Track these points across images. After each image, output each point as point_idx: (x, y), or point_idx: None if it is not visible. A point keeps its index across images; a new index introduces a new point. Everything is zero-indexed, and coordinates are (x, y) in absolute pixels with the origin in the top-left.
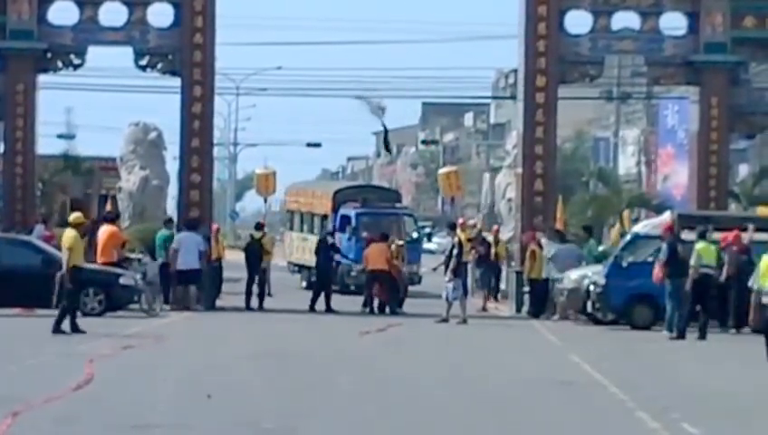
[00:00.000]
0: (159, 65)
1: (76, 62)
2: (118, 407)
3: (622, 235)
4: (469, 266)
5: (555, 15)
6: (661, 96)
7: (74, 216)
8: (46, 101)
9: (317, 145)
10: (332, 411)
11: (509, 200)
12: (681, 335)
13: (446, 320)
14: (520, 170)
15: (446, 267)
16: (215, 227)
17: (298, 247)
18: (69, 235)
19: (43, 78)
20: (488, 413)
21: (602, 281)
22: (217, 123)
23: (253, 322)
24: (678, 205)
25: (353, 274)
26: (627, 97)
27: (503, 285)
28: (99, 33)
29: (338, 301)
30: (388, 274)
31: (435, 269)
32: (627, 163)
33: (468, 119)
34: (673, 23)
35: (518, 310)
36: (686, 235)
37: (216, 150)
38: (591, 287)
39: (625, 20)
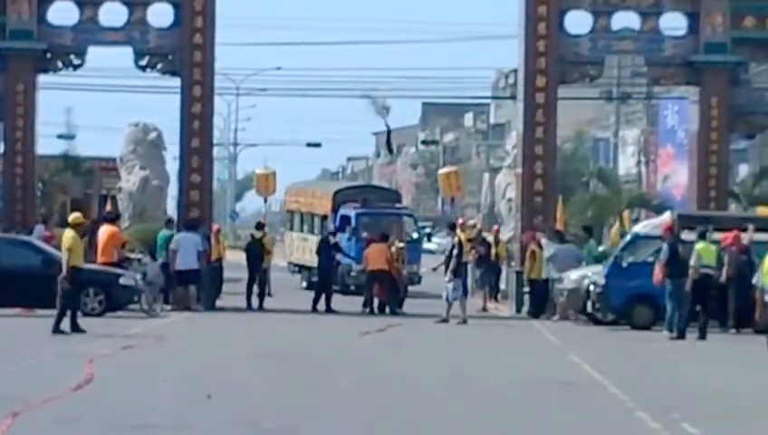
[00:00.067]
0: (159, 65)
1: (76, 62)
2: (118, 407)
3: (622, 235)
4: (469, 267)
5: (555, 15)
6: (661, 96)
7: (74, 216)
8: (46, 101)
9: (317, 145)
10: (332, 411)
11: (509, 200)
12: (681, 335)
13: (446, 320)
14: (520, 170)
15: (446, 268)
16: (215, 227)
17: (298, 248)
18: (68, 235)
19: (43, 78)
20: (488, 413)
21: (602, 281)
22: (217, 123)
23: (253, 322)
24: (678, 205)
25: (353, 274)
26: (627, 97)
27: (503, 286)
28: (99, 34)
29: (338, 301)
30: (388, 274)
31: (435, 269)
32: (627, 163)
33: (468, 119)
34: (673, 23)
35: (518, 310)
36: (686, 235)
37: (215, 151)
38: (591, 287)
39: (625, 20)
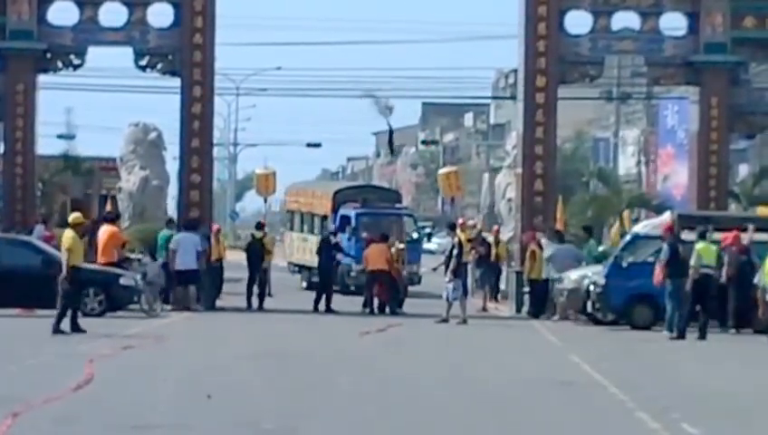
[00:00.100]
0: (159, 65)
1: (76, 62)
2: (118, 407)
3: (622, 235)
4: (469, 267)
5: (555, 16)
6: (661, 96)
7: (73, 216)
8: (46, 101)
9: (317, 145)
10: (332, 411)
11: (509, 200)
12: (681, 335)
13: (446, 320)
14: (520, 171)
15: (446, 268)
16: (215, 227)
17: (298, 248)
18: (67, 235)
19: (43, 78)
20: (488, 413)
21: (602, 281)
22: (217, 123)
23: (253, 322)
24: (678, 205)
25: (353, 274)
26: (627, 97)
27: (502, 286)
28: (99, 34)
29: (338, 301)
30: (388, 274)
31: (435, 269)
32: (627, 163)
33: (468, 119)
34: (673, 23)
35: (518, 310)
36: (686, 235)
37: (215, 151)
38: (591, 287)
39: (625, 20)
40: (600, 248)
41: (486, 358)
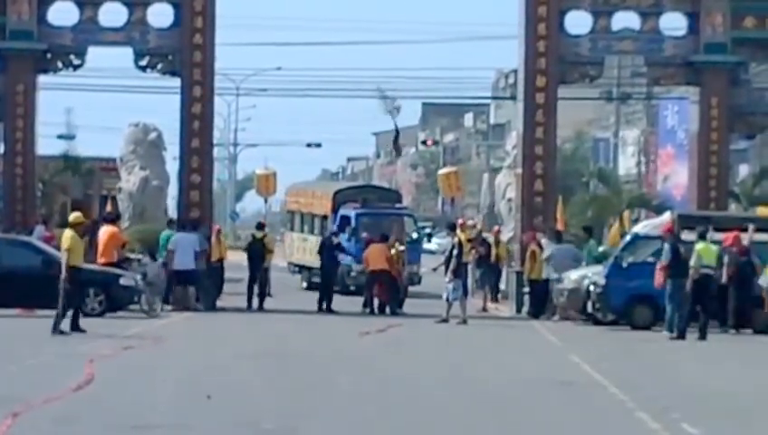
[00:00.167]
0: (159, 66)
1: (76, 62)
2: (118, 407)
3: (622, 235)
4: (469, 267)
5: (555, 16)
6: (661, 96)
7: (74, 215)
8: (46, 101)
9: (317, 145)
10: (332, 411)
11: (509, 201)
12: (681, 336)
13: (446, 320)
14: (520, 171)
15: (447, 268)
16: (216, 227)
17: (298, 248)
18: (67, 235)
19: (42, 78)
20: (488, 413)
21: (602, 281)
22: (217, 124)
23: (253, 322)
24: (678, 205)
25: (353, 274)
26: (627, 97)
27: (502, 286)
28: (99, 34)
29: (338, 301)
30: (388, 274)
31: (435, 270)
32: (627, 163)
33: (468, 119)
34: (673, 23)
35: (518, 310)
36: (686, 235)
37: (215, 151)
38: (591, 288)
39: (625, 20)
40: (600, 249)
41: (486, 358)
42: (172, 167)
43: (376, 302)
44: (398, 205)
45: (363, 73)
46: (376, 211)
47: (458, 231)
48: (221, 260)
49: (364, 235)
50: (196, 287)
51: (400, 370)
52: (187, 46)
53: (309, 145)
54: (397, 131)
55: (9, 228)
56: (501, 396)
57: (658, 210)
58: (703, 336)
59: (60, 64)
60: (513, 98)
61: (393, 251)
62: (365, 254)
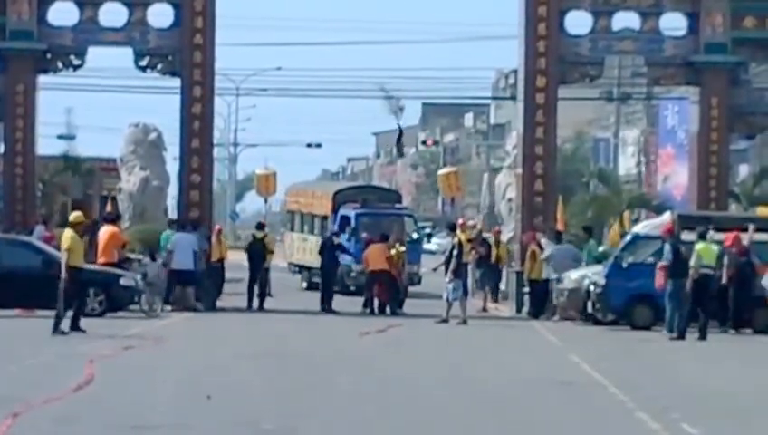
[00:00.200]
0: (159, 66)
1: (76, 62)
2: (118, 407)
3: (622, 235)
4: (469, 267)
5: (555, 16)
6: (661, 96)
7: (74, 215)
8: (46, 101)
9: (317, 145)
10: (332, 411)
11: (509, 201)
12: (681, 336)
13: (446, 320)
14: (520, 171)
15: (447, 268)
16: (217, 227)
17: (298, 248)
18: (66, 235)
19: (43, 78)
20: (488, 413)
21: (602, 281)
22: (217, 124)
23: (253, 322)
24: (678, 205)
25: (353, 274)
26: (627, 97)
27: (503, 286)
28: (99, 34)
29: (338, 301)
30: (388, 274)
31: (435, 270)
32: (627, 163)
33: (468, 119)
34: (673, 23)
35: (518, 310)
36: (686, 235)
37: (215, 151)
38: (591, 288)
39: (625, 20)
40: (600, 249)
41: (486, 358)
42: (172, 167)
43: (376, 302)
44: (398, 205)
45: (363, 73)
46: (376, 211)
47: (458, 231)
48: (221, 260)
49: (364, 235)
50: (196, 287)
51: (400, 370)
52: (187, 46)
53: (309, 145)
54: (400, 131)
55: (9, 228)
56: (501, 396)
57: (658, 210)
58: (703, 336)
59: (60, 64)
60: (513, 98)
61: (393, 251)
62: (365, 254)
